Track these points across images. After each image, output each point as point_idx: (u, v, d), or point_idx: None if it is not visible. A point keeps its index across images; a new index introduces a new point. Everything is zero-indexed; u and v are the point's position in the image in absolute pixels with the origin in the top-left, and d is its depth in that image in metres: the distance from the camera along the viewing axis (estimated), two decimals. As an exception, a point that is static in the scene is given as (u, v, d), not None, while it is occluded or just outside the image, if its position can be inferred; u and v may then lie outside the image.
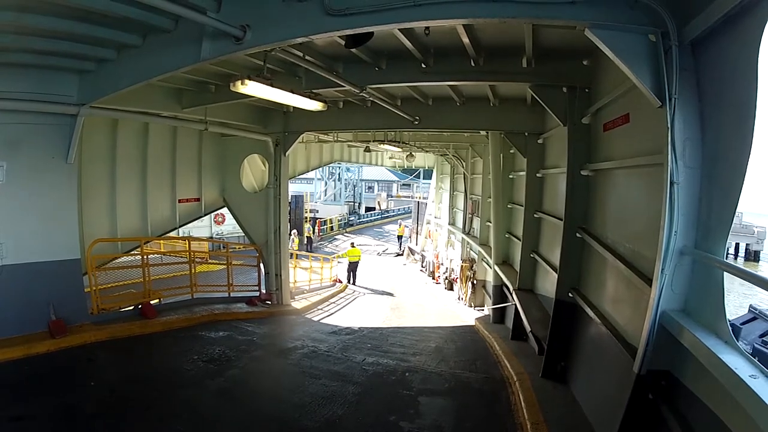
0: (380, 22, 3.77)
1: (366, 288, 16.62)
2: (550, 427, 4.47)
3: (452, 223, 17.18)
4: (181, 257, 10.15)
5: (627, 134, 4.29)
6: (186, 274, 9.08)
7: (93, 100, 5.99)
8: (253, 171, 11.23)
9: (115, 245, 8.53)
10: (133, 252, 8.78)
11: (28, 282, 5.88)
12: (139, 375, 5.42)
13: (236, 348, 6.77)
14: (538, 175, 7.62)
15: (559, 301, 5.55)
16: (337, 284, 16.35)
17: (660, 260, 3.03)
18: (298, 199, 27.01)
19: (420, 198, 32.12)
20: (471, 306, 13.00)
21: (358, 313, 12.50)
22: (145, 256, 8.00)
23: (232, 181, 10.72)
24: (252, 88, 4.99)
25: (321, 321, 10.48)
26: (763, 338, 10.09)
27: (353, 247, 17.66)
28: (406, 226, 27.82)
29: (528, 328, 7.01)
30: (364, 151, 15.25)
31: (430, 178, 24.74)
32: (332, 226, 31.57)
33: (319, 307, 12.16)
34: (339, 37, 4.61)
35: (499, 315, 9.90)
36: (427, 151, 17.02)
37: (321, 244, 25.83)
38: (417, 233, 24.76)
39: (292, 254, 16.81)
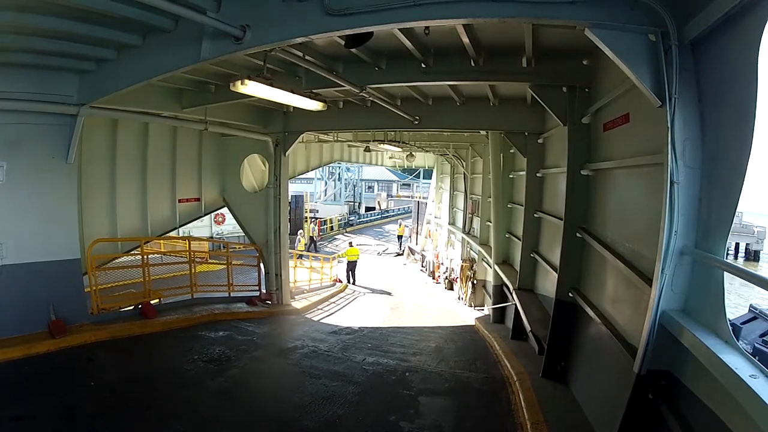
0: (380, 22, 3.77)
1: (366, 288, 16.63)
2: (550, 427, 4.47)
3: (452, 222, 17.18)
4: (181, 257, 10.16)
5: (627, 134, 4.28)
6: (186, 274, 9.08)
7: (93, 100, 5.99)
8: (253, 171, 11.23)
9: (115, 245, 8.52)
10: (133, 252, 8.78)
11: (28, 282, 5.88)
12: (139, 375, 5.42)
13: (236, 348, 6.77)
14: (538, 174, 7.62)
15: (559, 301, 5.55)
16: (337, 284, 16.36)
17: (660, 260, 3.03)
18: (298, 199, 27.02)
19: (420, 198, 32.17)
20: (471, 306, 13.00)
21: (358, 312, 12.50)
22: (145, 256, 8.00)
23: (232, 181, 10.73)
24: (252, 88, 4.99)
25: (321, 321, 10.48)
26: (764, 338, 10.09)
27: (351, 246, 17.83)
28: (406, 225, 27.81)
29: (528, 327, 7.01)
30: (364, 150, 15.26)
31: (430, 178, 24.74)
32: (332, 226, 31.58)
33: (319, 307, 12.17)
34: (339, 37, 4.61)
35: (499, 315, 9.89)
36: (427, 151, 17.03)
37: (321, 244, 25.84)
38: (417, 233, 24.76)
39: (300, 255, 17.06)
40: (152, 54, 5.07)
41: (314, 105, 6.01)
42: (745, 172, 2.65)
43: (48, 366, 5.30)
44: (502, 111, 8.09)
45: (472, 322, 10.88)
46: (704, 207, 3.01)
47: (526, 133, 7.82)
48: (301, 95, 5.74)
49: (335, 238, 29.28)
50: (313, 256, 17.64)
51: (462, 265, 14.11)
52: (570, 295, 5.39)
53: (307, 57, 5.47)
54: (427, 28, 4.46)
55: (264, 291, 10.41)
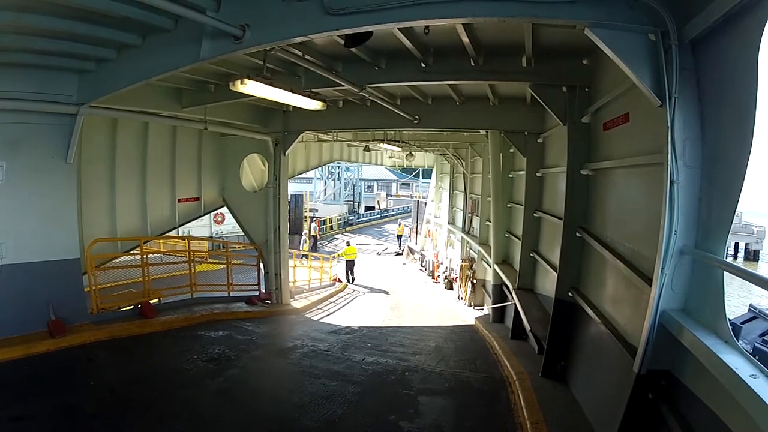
0: (379, 21, 3.77)
1: (365, 287, 16.64)
2: (549, 426, 4.47)
3: (452, 222, 17.19)
4: (181, 257, 10.15)
5: (627, 133, 4.28)
6: (185, 273, 9.07)
7: (92, 99, 5.98)
8: (253, 170, 11.23)
9: (115, 245, 8.52)
10: (132, 251, 8.77)
11: (28, 282, 5.88)
12: (138, 375, 5.41)
13: (236, 347, 6.77)
14: (537, 174, 7.62)
15: (559, 301, 5.55)
16: (337, 283, 16.37)
17: (660, 260, 3.02)
18: (298, 199, 26.98)
19: (419, 197, 32.17)
20: (470, 305, 13.01)
21: (357, 312, 12.51)
22: (144, 256, 7.99)
23: (231, 180, 10.72)
24: (251, 88, 4.98)
25: (320, 320, 10.49)
26: (764, 337, 10.10)
27: (349, 246, 18.05)
28: (405, 225, 27.81)
29: (528, 327, 7.01)
30: (364, 150, 15.25)
31: (430, 178, 24.75)
32: (332, 226, 31.58)
33: (319, 307, 12.17)
34: (338, 36, 4.60)
35: (499, 314, 9.90)
36: (426, 151, 17.02)
37: (320, 244, 25.84)
38: (416, 232, 24.77)
39: (305, 255, 17.15)
40: (152, 53, 5.06)
41: (314, 104, 6.01)
42: (745, 172, 2.65)
43: (48, 366, 5.30)
44: (501, 110, 8.09)
45: (472, 322, 10.88)
46: (704, 207, 3.01)
47: (526, 133, 7.82)
48: (300, 95, 5.73)
49: (335, 238, 29.28)
50: (312, 256, 17.65)
51: (461, 265, 14.11)
52: (570, 294, 5.39)
53: (306, 56, 5.47)
54: (426, 27, 4.45)
55: (263, 290, 10.40)
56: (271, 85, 5.12)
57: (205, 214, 10.95)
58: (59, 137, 6.10)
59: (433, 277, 18.64)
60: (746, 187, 2.65)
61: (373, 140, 12.80)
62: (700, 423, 2.84)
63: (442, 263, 17.96)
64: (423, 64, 5.71)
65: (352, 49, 5.17)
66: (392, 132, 11.89)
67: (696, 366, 2.82)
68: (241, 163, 10.62)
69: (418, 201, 27.83)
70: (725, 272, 2.78)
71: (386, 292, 16.11)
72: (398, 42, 4.98)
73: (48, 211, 6.16)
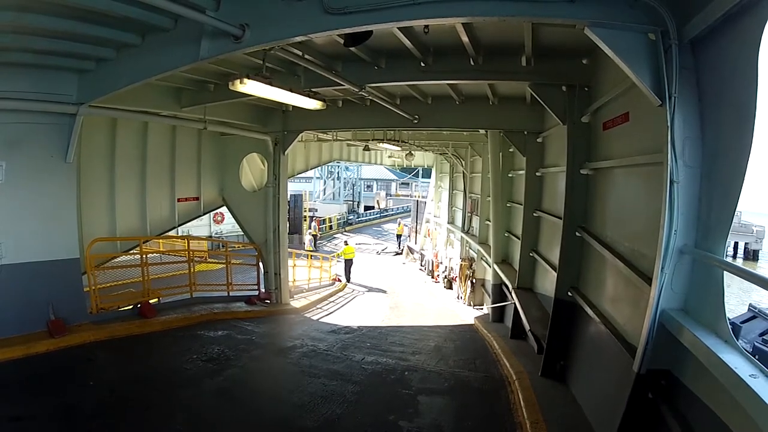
0: (379, 21, 3.77)
1: (365, 287, 16.64)
2: (549, 426, 4.47)
3: (451, 221, 17.19)
4: (180, 256, 10.14)
5: (626, 133, 4.28)
6: (185, 273, 9.07)
7: (92, 99, 5.97)
8: (252, 170, 11.22)
9: (114, 244, 8.51)
10: (132, 251, 8.76)
11: (28, 282, 5.87)
12: (138, 374, 5.41)
13: (235, 347, 6.76)
14: (537, 173, 7.62)
15: (559, 300, 5.55)
16: (336, 283, 16.37)
17: (660, 259, 3.02)
18: (297, 198, 26.98)
19: (419, 197, 32.18)
20: (470, 305, 13.02)
21: (357, 312, 12.51)
22: (144, 256, 7.98)
23: (231, 180, 10.71)
24: (251, 87, 4.98)
25: (320, 320, 10.48)
26: (763, 337, 10.11)
27: (347, 245, 18.13)
28: (405, 225, 27.81)
29: (527, 326, 7.01)
30: (363, 150, 15.25)
31: (429, 177, 24.74)
32: (331, 225, 31.57)
33: (318, 306, 12.17)
34: (338, 35, 4.59)
35: (499, 314, 9.90)
36: (426, 150, 17.01)
37: (320, 243, 25.84)
38: (416, 232, 24.75)
39: (308, 254, 17.23)
40: (151, 53, 5.06)
41: (313, 104, 6.00)
42: (745, 171, 2.65)
43: (47, 366, 5.29)
44: (501, 110, 8.09)
45: (472, 321, 10.89)
46: (704, 206, 3.01)
47: (526, 132, 7.81)
48: (300, 94, 5.73)
49: (334, 237, 29.27)
50: (312, 255, 17.65)
51: (461, 264, 14.12)
52: (569, 294, 5.39)
53: (306, 56, 5.46)
54: (426, 26, 4.45)
55: (263, 290, 10.40)
56: (271, 84, 5.11)
57: (204, 214, 10.95)
58: (59, 137, 6.09)
59: (432, 277, 18.64)
60: (746, 186, 2.65)
61: (372, 140, 12.80)
62: (699, 423, 2.85)
63: (441, 263, 17.97)
64: (423, 64, 5.70)
65: (352, 49, 5.16)
66: (392, 131, 11.88)
67: (696, 366, 2.83)
68: (241, 162, 10.61)
69: (417, 200, 27.82)
70: (725, 272, 2.78)
71: (385, 292, 16.11)
72: (398, 41, 4.98)
73: (48, 211, 6.15)
